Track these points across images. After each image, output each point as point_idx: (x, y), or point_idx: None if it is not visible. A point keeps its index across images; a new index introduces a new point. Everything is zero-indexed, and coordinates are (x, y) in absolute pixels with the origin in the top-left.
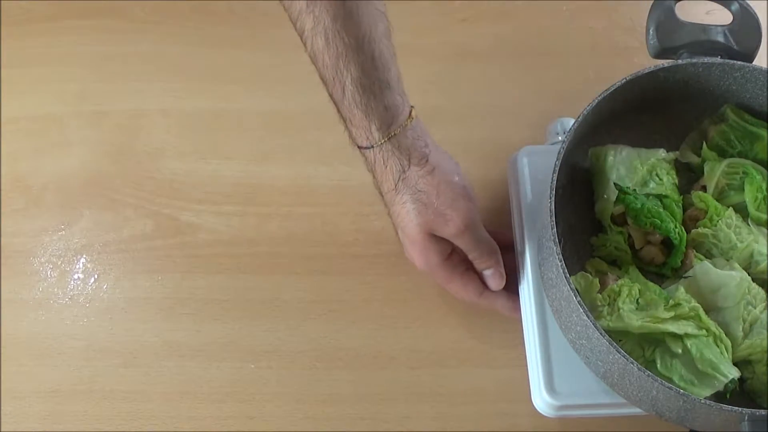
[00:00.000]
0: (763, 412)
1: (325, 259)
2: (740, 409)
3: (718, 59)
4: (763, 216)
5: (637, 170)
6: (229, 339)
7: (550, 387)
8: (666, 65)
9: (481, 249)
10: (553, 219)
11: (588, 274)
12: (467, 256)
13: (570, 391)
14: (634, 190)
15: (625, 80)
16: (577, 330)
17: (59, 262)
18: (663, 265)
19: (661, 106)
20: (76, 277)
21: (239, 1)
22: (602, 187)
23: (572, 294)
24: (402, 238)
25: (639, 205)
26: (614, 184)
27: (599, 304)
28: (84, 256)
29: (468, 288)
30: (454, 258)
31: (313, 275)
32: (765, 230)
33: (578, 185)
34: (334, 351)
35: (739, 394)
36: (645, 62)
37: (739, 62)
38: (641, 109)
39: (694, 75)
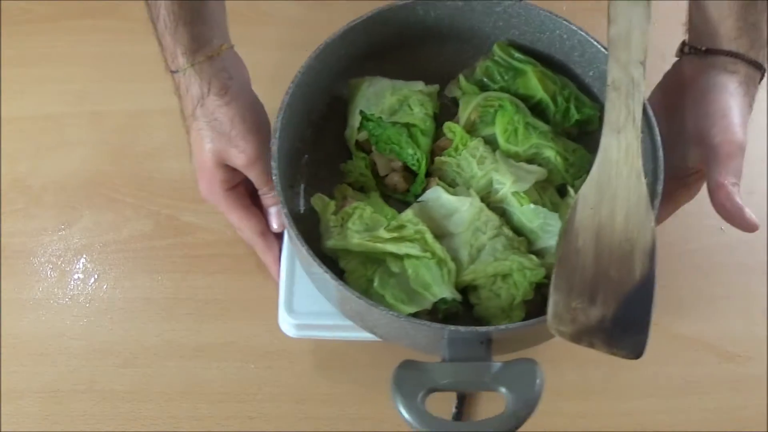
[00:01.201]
0: (463, 328)
1: None
2: (440, 325)
3: None
4: (513, 147)
5: (385, 99)
6: (229, 339)
7: (290, 307)
8: None
9: (268, 184)
10: (276, 163)
11: (324, 196)
12: (255, 192)
13: (308, 311)
14: (380, 117)
15: (371, 14)
16: (297, 247)
17: (59, 262)
18: (407, 192)
19: (436, 43)
20: (76, 277)
21: (239, 1)
22: (352, 115)
23: (287, 220)
24: (193, 163)
25: (379, 132)
26: (360, 111)
27: (332, 225)
28: (84, 256)
29: (250, 223)
30: (240, 189)
31: None
32: (514, 162)
33: (339, 116)
34: (333, 351)
35: (470, 319)
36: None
37: None
38: (413, 46)
39: (456, 11)
